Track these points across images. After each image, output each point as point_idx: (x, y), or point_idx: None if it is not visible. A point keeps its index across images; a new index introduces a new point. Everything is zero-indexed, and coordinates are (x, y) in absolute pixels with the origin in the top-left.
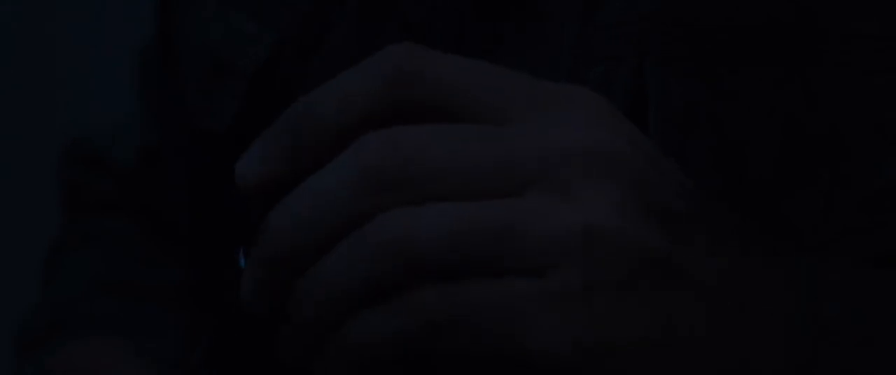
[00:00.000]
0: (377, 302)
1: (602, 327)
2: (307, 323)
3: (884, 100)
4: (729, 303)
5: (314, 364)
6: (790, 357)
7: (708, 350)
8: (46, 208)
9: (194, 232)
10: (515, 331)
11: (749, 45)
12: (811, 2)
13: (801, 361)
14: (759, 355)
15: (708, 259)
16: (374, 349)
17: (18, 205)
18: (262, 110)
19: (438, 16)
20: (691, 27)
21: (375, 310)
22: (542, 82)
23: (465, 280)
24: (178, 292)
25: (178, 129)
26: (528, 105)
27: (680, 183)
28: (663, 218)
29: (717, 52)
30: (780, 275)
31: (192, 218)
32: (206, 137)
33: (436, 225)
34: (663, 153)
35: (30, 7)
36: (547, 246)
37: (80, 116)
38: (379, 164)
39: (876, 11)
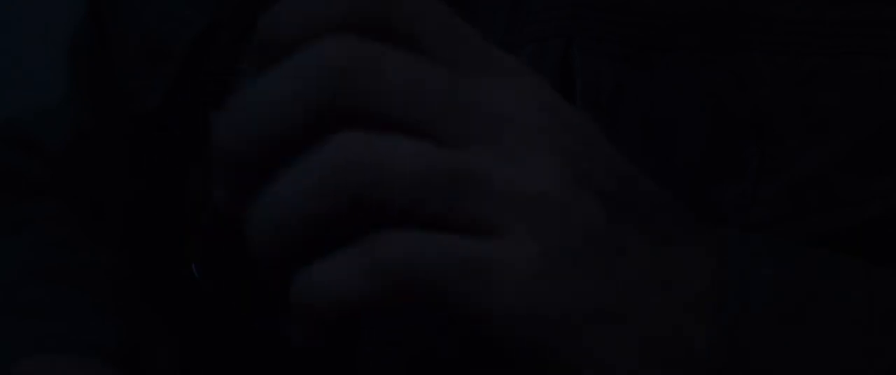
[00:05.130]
0: (329, 249)
1: (559, 296)
2: (266, 253)
3: (810, 84)
4: (657, 277)
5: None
6: (715, 322)
7: (643, 321)
8: None
9: (134, 210)
10: (476, 291)
11: (678, 30)
12: None
13: (725, 324)
14: (688, 323)
15: (638, 235)
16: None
17: None
18: (193, 90)
19: None
20: (622, 11)
21: (333, 261)
22: (491, 46)
23: (426, 227)
24: (112, 275)
25: (113, 110)
26: (479, 62)
27: (613, 161)
28: (600, 196)
29: (646, 37)
30: (703, 249)
31: (131, 196)
32: (143, 119)
33: (399, 155)
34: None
35: None
36: (504, 204)
37: (9, 98)
38: (342, 65)
39: None
